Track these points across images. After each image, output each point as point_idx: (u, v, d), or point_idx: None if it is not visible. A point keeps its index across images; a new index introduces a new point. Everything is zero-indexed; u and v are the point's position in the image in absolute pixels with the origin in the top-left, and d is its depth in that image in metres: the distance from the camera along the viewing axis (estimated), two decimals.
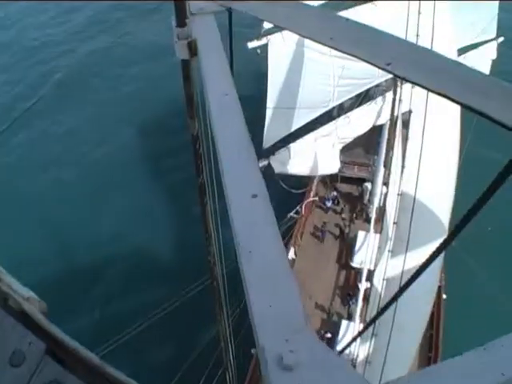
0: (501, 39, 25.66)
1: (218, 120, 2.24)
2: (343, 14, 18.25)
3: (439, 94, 2.09)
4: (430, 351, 19.27)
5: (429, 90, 2.14)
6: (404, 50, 2.38)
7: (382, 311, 2.52)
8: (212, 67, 2.51)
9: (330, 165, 23.03)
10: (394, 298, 2.30)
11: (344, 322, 20.36)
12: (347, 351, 16.73)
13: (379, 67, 2.31)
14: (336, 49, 2.43)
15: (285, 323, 1.62)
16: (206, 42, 2.67)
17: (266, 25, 18.92)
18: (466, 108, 2.05)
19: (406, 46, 2.43)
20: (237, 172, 2.07)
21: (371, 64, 2.34)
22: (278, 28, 18.65)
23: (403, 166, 15.95)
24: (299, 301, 1.69)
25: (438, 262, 16.17)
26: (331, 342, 19.97)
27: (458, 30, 19.06)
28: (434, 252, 1.84)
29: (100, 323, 21.79)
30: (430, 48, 2.38)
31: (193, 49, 2.67)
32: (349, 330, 19.88)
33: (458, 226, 1.68)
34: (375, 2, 20.10)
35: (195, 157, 3.23)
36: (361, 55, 2.37)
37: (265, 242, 1.83)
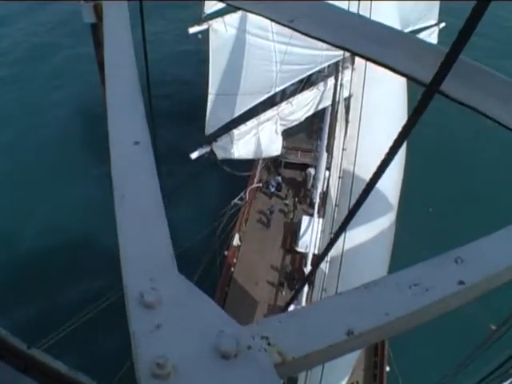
0: (442, 25, 26.24)
1: (110, 75, 2.18)
2: None
3: (341, 47, 2.09)
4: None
5: (331, 44, 2.13)
6: (308, 7, 2.35)
7: (311, 272, 2.51)
8: (113, 27, 2.43)
9: (273, 148, 23.10)
10: (327, 250, 2.29)
11: (291, 307, 20.47)
12: None
13: (282, 24, 2.29)
14: (241, 8, 2.39)
15: (151, 263, 1.57)
16: (113, 7, 2.58)
17: (207, 9, 18.74)
18: (367, 60, 2.05)
19: (311, 3, 2.40)
20: (120, 120, 2.02)
21: (274, 21, 2.31)
22: (219, 13, 18.54)
23: (344, 149, 16.08)
24: (169, 243, 1.65)
25: (388, 244, 16.44)
26: None
27: (400, 15, 19.29)
28: (369, 183, 1.84)
29: (43, 315, 21.27)
30: (334, 5, 2.36)
31: (99, 11, 2.58)
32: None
33: (384, 160, 1.69)
34: None
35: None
36: (264, 12, 2.33)
37: (140, 187, 1.80)
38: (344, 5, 16.08)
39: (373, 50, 2.05)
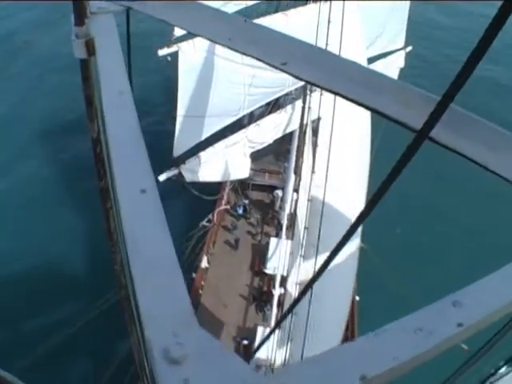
0: (409, 48, 26.89)
1: (111, 116, 2.20)
2: (257, 21, 18.46)
3: (333, 92, 2.14)
4: None
5: (323, 88, 2.18)
6: (300, 49, 2.41)
7: (291, 307, 2.55)
8: (108, 66, 2.45)
9: (241, 170, 23.17)
10: (304, 291, 2.34)
11: (260, 328, 20.44)
12: (264, 357, 16.84)
13: (275, 67, 2.33)
14: (234, 49, 2.43)
15: (172, 317, 1.61)
16: (104, 41, 2.60)
17: (177, 32, 18.80)
18: (358, 105, 2.11)
19: (302, 46, 2.46)
20: (126, 167, 2.04)
21: (267, 64, 2.36)
22: (188, 35, 18.61)
23: (313, 172, 16.24)
24: (186, 295, 1.70)
25: (353, 263, 16.62)
26: (249, 349, 20.02)
27: (367, 39, 19.68)
28: (342, 240, 1.90)
29: (12, 341, 20.79)
30: (324, 48, 2.42)
31: (90, 48, 2.59)
32: (265, 335, 19.98)
33: (369, 204, 1.73)
34: (286, 12, 20.47)
35: (96, 160, 3.13)
36: (257, 55, 2.38)
37: (153, 237, 1.82)
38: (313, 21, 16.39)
39: (364, 96, 2.10)
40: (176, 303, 1.65)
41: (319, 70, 2.25)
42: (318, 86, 2.20)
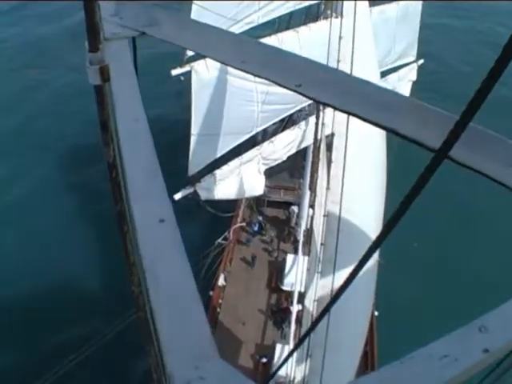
0: (421, 61, 26.92)
1: (127, 145, 2.20)
2: (266, 40, 18.57)
3: (349, 113, 2.13)
4: (367, 369, 19.50)
5: (339, 109, 2.18)
6: (314, 71, 2.41)
7: (312, 326, 2.53)
8: (123, 92, 2.46)
9: (256, 187, 23.17)
10: (325, 311, 2.31)
11: (278, 346, 20.36)
12: (284, 374, 16.73)
13: (290, 89, 2.33)
14: (248, 72, 2.43)
15: (194, 350, 1.59)
16: (118, 68, 2.62)
17: (190, 52, 18.92)
18: (375, 125, 2.09)
19: (316, 68, 2.46)
20: (144, 197, 2.03)
21: (282, 86, 2.35)
22: (201, 55, 18.71)
23: (328, 188, 16.19)
24: (207, 327, 1.69)
25: (372, 278, 16.50)
26: (267, 367, 19.91)
27: (379, 53, 19.71)
28: (361, 260, 1.87)
29: (25, 361, 20.85)
30: (339, 69, 2.43)
31: (105, 74, 2.60)
32: (284, 353, 19.88)
33: (387, 225, 1.70)
34: (297, 29, 20.56)
35: (112, 185, 3.13)
36: (272, 77, 2.38)
37: (172, 267, 1.82)
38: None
39: (381, 116, 2.09)
40: (196, 334, 1.64)
41: (334, 91, 2.25)
42: (333, 108, 2.20)
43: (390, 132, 2.05)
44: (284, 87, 2.34)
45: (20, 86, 37.18)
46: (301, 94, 2.28)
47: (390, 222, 1.69)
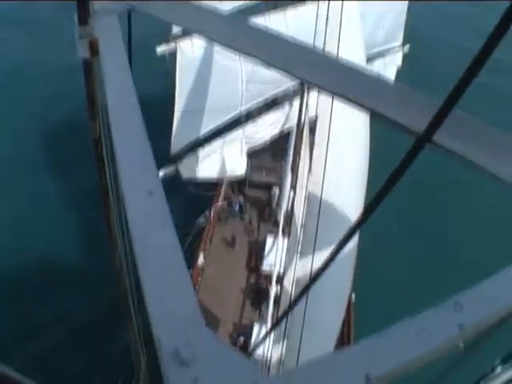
0: (407, 47, 26.96)
1: (116, 117, 2.21)
2: (253, 19, 18.46)
3: (334, 93, 2.16)
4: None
5: (324, 89, 2.20)
6: (302, 52, 2.43)
7: (290, 307, 2.58)
8: (112, 66, 2.47)
9: (238, 168, 23.17)
10: (303, 292, 2.35)
11: (256, 326, 20.50)
12: (261, 353, 16.88)
13: (277, 67, 2.35)
14: (237, 50, 2.45)
15: (181, 319, 1.63)
16: (108, 42, 2.61)
17: (175, 29, 18.74)
18: (360, 108, 2.13)
19: (304, 49, 2.47)
20: (132, 169, 2.05)
21: (269, 65, 2.37)
22: (187, 33, 18.56)
23: (310, 171, 16.23)
24: (194, 297, 1.73)
25: (350, 261, 16.62)
26: (245, 346, 20.07)
27: (365, 37, 19.69)
28: (340, 242, 1.90)
29: (12, 335, 20.78)
30: (324, 50, 2.45)
31: (94, 48, 2.60)
32: (261, 333, 20.03)
33: (367, 208, 1.74)
34: (284, 10, 20.46)
35: (97, 160, 3.14)
36: (261, 57, 2.40)
37: (161, 238, 1.84)
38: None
39: (366, 99, 2.12)
40: (183, 303, 1.67)
41: (321, 72, 2.27)
42: (319, 87, 2.22)
43: (375, 114, 2.08)
44: (272, 66, 2.36)
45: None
46: (288, 72, 2.30)
47: (371, 205, 1.73)
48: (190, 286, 1.73)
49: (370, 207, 1.72)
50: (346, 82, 2.21)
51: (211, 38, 2.69)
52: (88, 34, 2.53)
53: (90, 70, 2.69)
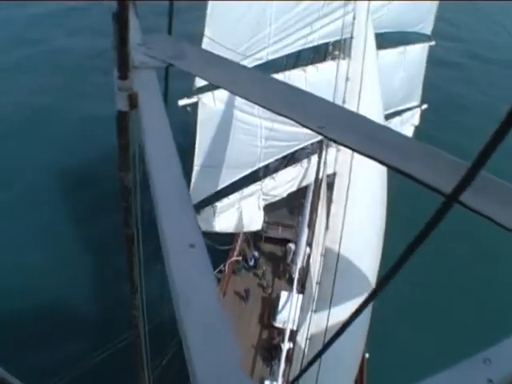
0: (424, 106, 27.22)
1: (156, 170, 2.26)
2: (275, 76, 18.76)
3: (369, 156, 2.20)
4: None
5: (358, 152, 2.25)
6: (335, 113, 2.49)
7: (304, 369, 2.54)
8: (152, 120, 2.54)
9: (254, 222, 23.21)
10: (317, 356, 2.30)
11: (267, 383, 20.13)
12: None
13: (312, 130, 2.40)
14: (271, 110, 2.51)
15: (223, 371, 1.62)
16: (147, 96, 2.70)
17: (198, 83, 19.10)
18: (393, 169, 2.17)
19: (337, 110, 2.54)
20: (174, 221, 2.08)
21: (305, 127, 2.43)
22: (209, 87, 18.91)
23: (327, 228, 16.22)
24: (237, 352, 1.71)
25: (365, 320, 16.40)
26: None
27: (384, 96, 19.99)
28: (358, 309, 1.87)
29: (21, 377, 20.50)
30: (357, 112, 2.53)
31: (133, 101, 2.69)
32: None
33: (385, 277, 1.71)
34: (304, 68, 20.82)
35: (125, 209, 3.19)
36: (294, 117, 2.46)
37: (202, 291, 1.85)
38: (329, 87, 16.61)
39: (396, 160, 2.17)
40: (226, 357, 1.66)
41: (354, 134, 2.32)
42: (353, 150, 2.27)
43: (404, 175, 2.12)
44: (307, 128, 2.41)
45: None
46: (323, 135, 2.35)
47: (392, 270, 1.70)
48: (233, 343, 1.72)
49: (392, 271, 1.66)
50: (377, 143, 2.27)
51: (245, 98, 2.75)
52: (127, 88, 2.62)
53: (125, 122, 2.77)
